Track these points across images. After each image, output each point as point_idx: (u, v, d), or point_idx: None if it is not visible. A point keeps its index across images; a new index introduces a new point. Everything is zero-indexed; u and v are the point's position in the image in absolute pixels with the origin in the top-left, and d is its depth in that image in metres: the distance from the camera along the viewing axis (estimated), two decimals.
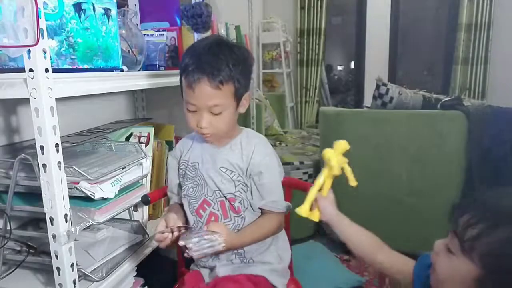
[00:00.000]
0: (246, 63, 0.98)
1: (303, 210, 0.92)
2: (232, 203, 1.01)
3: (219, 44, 0.95)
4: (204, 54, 0.93)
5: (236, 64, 0.94)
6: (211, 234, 0.89)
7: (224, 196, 1.01)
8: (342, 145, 0.92)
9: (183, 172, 1.07)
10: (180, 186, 1.10)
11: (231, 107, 0.97)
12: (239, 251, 1.02)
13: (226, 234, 0.91)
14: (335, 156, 0.91)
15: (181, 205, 1.10)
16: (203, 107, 0.94)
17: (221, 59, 0.92)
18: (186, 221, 1.06)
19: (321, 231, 2.20)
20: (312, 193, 0.93)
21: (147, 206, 1.29)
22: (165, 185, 1.40)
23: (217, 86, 0.91)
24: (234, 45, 0.98)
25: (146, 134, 1.30)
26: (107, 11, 0.95)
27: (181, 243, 0.89)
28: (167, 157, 1.16)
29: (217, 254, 1.00)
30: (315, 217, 0.93)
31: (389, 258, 0.88)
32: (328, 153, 0.92)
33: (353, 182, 0.91)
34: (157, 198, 1.19)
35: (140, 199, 1.10)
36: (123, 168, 1.02)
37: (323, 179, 0.93)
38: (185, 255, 0.92)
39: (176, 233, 0.95)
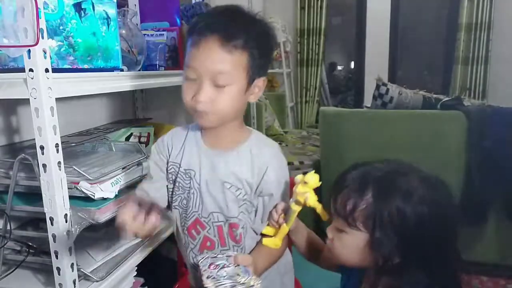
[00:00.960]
0: (267, 39, 0.81)
1: (271, 243, 0.83)
2: (233, 229, 0.84)
3: (238, 10, 0.80)
4: (218, 15, 0.79)
5: (255, 34, 0.77)
6: (244, 270, 0.73)
7: (225, 221, 0.84)
8: (314, 180, 0.77)
9: (173, 178, 0.88)
10: (161, 189, 0.90)
11: (240, 84, 0.77)
12: None
13: (254, 269, 0.75)
14: (307, 191, 0.77)
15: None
16: (206, 74, 0.75)
17: (238, 23, 0.76)
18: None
19: (321, 231, 2.20)
20: (285, 230, 0.83)
21: None
22: None
23: (229, 49, 0.74)
24: (256, 16, 0.81)
25: (146, 134, 1.30)
26: (107, 11, 0.95)
27: (208, 284, 0.70)
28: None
29: None
30: (276, 245, 0.84)
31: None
32: (300, 188, 0.77)
33: (324, 217, 0.81)
34: None
35: None
36: (123, 168, 1.02)
37: (294, 215, 0.81)
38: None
39: (154, 217, 0.72)
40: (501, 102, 1.95)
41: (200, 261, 0.76)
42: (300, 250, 0.95)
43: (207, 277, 0.71)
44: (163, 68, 1.31)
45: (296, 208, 0.79)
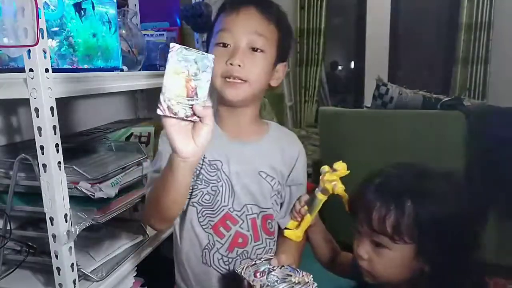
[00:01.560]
0: (290, 28, 0.86)
1: (293, 235, 0.83)
2: (268, 221, 0.83)
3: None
4: None
5: (284, 19, 0.83)
6: (288, 272, 0.70)
7: (258, 212, 0.81)
8: (342, 168, 0.80)
9: (196, 171, 0.81)
10: None
11: (272, 55, 0.79)
12: None
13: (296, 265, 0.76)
14: (335, 179, 0.79)
15: None
16: (243, 38, 0.75)
17: (272, 5, 0.81)
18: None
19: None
20: (308, 221, 0.83)
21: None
22: None
23: (267, 18, 0.77)
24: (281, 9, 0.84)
25: (146, 134, 1.30)
26: (107, 11, 0.95)
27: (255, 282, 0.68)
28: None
29: None
30: (298, 237, 0.85)
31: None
32: (327, 176, 0.79)
33: (349, 208, 0.80)
34: None
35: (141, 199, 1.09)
36: (123, 168, 1.02)
37: (319, 206, 0.82)
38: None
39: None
40: (501, 102, 1.95)
41: (241, 272, 0.71)
42: (317, 250, 0.92)
43: (261, 286, 0.67)
44: (163, 68, 1.31)
45: (322, 198, 0.79)
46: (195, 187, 0.82)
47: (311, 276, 0.70)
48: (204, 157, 0.81)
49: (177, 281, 0.91)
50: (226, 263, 0.82)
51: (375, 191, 0.70)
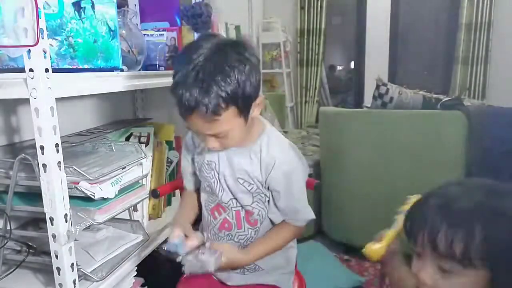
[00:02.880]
0: (252, 72, 0.81)
1: (374, 253, 0.86)
2: (249, 215, 0.96)
3: (215, 54, 0.79)
4: (194, 73, 0.77)
5: (238, 80, 0.78)
6: (209, 252, 0.89)
7: (241, 207, 0.96)
8: None
9: (199, 167, 1.01)
10: (194, 174, 1.06)
11: (238, 125, 0.84)
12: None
13: (227, 257, 0.90)
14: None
15: (194, 191, 1.08)
16: (206, 135, 0.85)
17: (216, 82, 0.76)
18: (200, 214, 1.05)
19: (321, 231, 2.20)
20: (391, 236, 0.85)
21: (147, 206, 1.29)
22: (176, 179, 1.41)
23: (213, 118, 0.79)
24: (234, 51, 0.80)
25: (146, 134, 1.30)
26: (107, 11, 0.95)
27: (178, 259, 0.90)
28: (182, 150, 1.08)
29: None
30: (378, 255, 0.86)
31: None
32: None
33: None
34: (166, 192, 1.19)
35: (150, 193, 1.14)
36: (123, 168, 1.02)
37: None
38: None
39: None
40: (501, 102, 1.96)
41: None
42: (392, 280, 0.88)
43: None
44: (163, 68, 1.31)
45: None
46: (200, 177, 1.01)
47: (218, 259, 0.88)
48: (203, 157, 0.98)
49: None
50: (217, 238, 1.01)
51: (440, 210, 0.64)
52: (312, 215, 0.97)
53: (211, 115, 0.78)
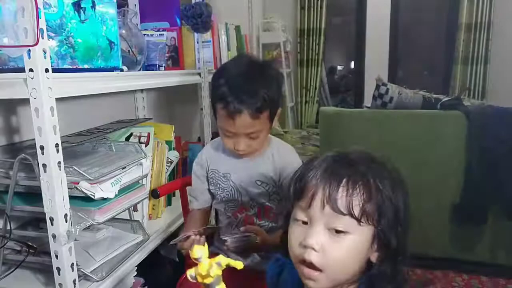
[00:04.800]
0: (278, 82, 1.02)
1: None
2: (268, 211, 1.08)
3: (252, 67, 0.99)
4: (240, 81, 0.95)
5: (271, 87, 0.96)
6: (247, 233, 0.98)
7: (262, 204, 1.07)
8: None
9: (215, 182, 1.10)
10: (204, 193, 1.13)
11: (267, 128, 1.00)
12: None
13: (261, 233, 0.99)
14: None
15: (201, 211, 1.14)
16: (242, 134, 0.97)
17: (258, 87, 0.94)
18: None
19: None
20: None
21: (147, 206, 1.29)
22: (176, 179, 1.43)
23: (257, 115, 0.94)
24: (265, 65, 1.02)
25: (146, 134, 1.30)
26: (107, 11, 0.95)
27: (223, 237, 0.99)
28: (194, 163, 1.16)
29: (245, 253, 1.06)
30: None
31: None
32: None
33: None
34: (166, 192, 1.19)
35: (150, 193, 1.15)
36: (123, 168, 1.02)
37: None
38: (224, 248, 0.98)
39: (202, 238, 0.95)
40: (500, 102, 1.95)
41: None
42: None
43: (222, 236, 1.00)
44: (163, 68, 1.32)
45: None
46: (215, 192, 1.11)
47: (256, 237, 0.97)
48: (218, 171, 1.09)
49: None
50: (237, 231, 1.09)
51: (336, 168, 0.64)
52: None
53: (257, 111, 0.94)
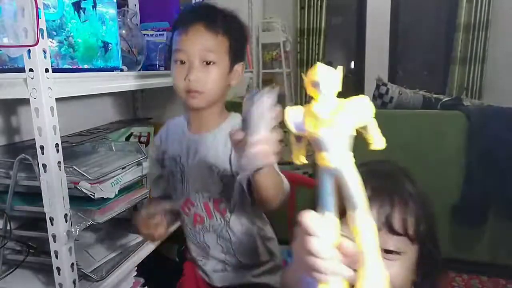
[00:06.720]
0: (242, 29, 0.94)
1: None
2: (218, 204, 0.94)
3: (216, 6, 0.92)
4: (199, 9, 0.94)
5: (232, 24, 0.91)
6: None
7: (210, 197, 0.94)
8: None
9: (167, 164, 1.00)
10: (162, 177, 1.04)
11: (224, 64, 0.89)
12: (227, 249, 0.97)
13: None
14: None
15: (162, 198, 1.04)
16: (195, 55, 0.86)
17: (219, 14, 0.89)
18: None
19: None
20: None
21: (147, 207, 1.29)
22: None
23: (214, 32, 0.86)
24: (231, 12, 0.93)
25: (146, 134, 1.30)
26: (107, 11, 0.95)
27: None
28: None
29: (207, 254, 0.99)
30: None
31: None
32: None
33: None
34: None
35: (150, 193, 1.12)
36: (123, 168, 1.02)
37: None
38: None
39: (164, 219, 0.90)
40: (498, 102, 1.95)
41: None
42: None
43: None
44: (163, 68, 1.31)
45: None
46: (170, 176, 1.00)
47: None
48: (167, 152, 0.99)
49: None
50: (194, 233, 1.01)
51: (384, 187, 0.61)
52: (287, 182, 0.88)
53: (213, 27, 0.86)
